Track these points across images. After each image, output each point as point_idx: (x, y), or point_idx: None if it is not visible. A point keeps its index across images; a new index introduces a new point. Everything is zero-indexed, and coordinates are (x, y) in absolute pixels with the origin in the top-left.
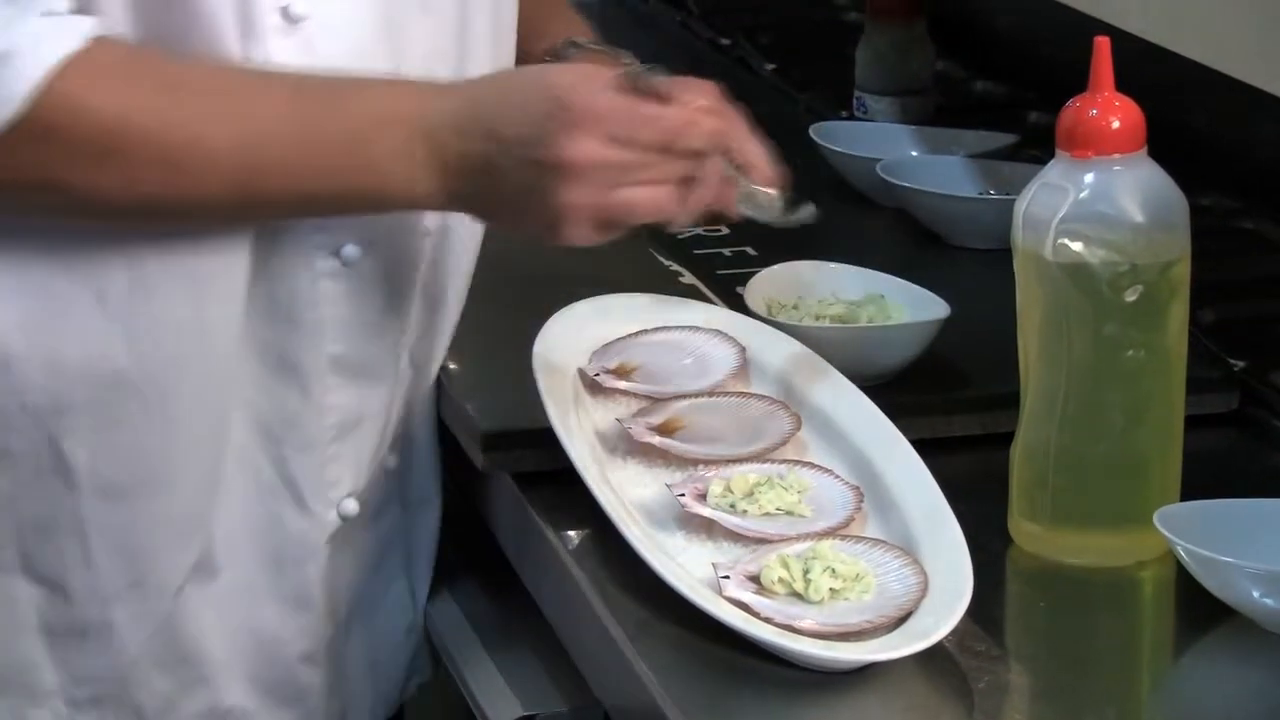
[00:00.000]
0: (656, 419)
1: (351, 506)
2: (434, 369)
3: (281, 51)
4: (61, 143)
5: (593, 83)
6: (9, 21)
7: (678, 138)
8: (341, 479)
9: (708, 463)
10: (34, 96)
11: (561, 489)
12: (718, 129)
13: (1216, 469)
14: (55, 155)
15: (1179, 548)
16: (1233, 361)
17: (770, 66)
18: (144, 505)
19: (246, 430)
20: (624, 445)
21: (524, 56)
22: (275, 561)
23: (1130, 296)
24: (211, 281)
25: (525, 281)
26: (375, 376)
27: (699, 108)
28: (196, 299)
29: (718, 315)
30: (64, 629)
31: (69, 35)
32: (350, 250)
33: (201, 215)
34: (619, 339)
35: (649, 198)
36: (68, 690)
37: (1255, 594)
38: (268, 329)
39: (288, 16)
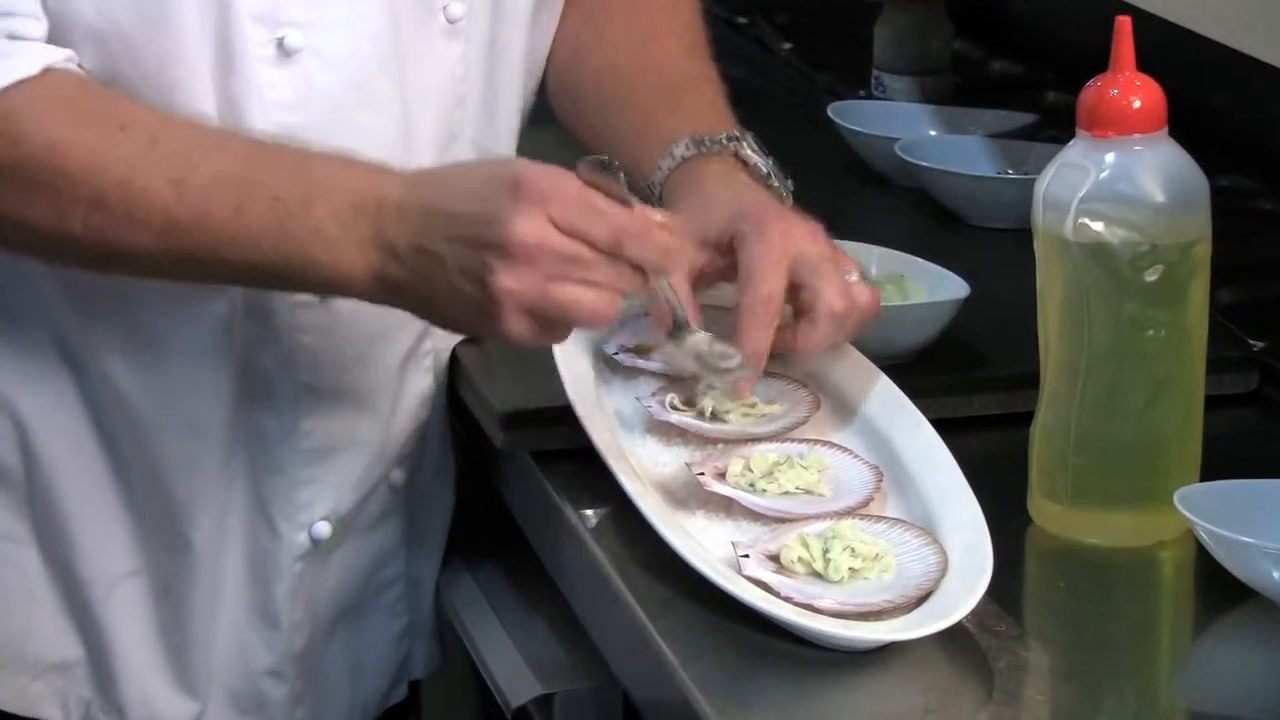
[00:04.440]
0: (676, 398)
1: (323, 530)
2: (445, 357)
3: (275, 85)
4: None
5: (552, 170)
6: None
7: (627, 242)
8: (314, 503)
9: (727, 441)
10: None
11: (581, 468)
12: (669, 246)
13: (1236, 449)
14: None
15: (1199, 528)
16: (1252, 342)
17: (787, 45)
18: (150, 496)
19: (225, 446)
20: (643, 424)
21: (648, 139)
22: (248, 576)
23: (1150, 276)
24: (201, 300)
25: None
26: (364, 406)
27: (657, 221)
28: (185, 312)
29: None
30: (67, 605)
31: (27, 61)
32: None
33: (131, 265)
34: (638, 318)
35: (589, 300)
36: (66, 667)
37: (1275, 574)
38: (249, 353)
39: (282, 48)
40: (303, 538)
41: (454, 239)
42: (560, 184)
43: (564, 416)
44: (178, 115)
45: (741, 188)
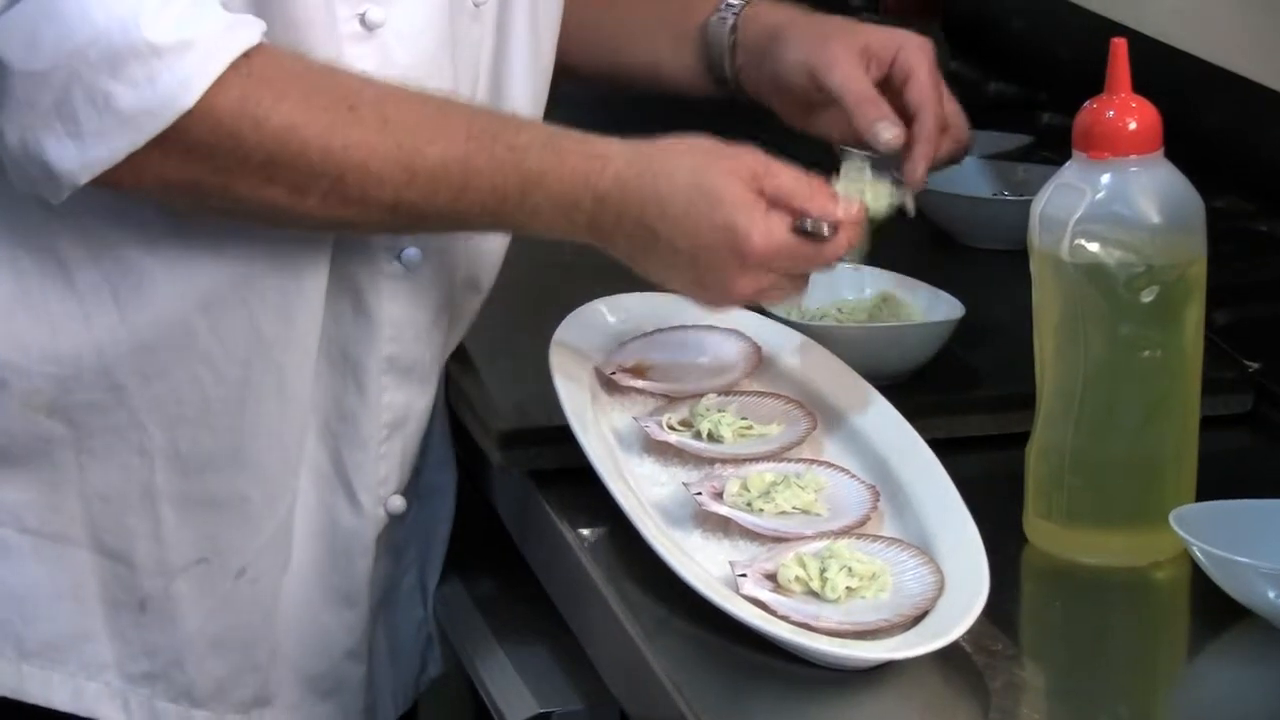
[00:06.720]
0: (673, 417)
1: (398, 504)
2: (445, 357)
3: (359, 58)
4: (231, 144)
5: (769, 226)
6: (191, 14)
7: (830, 265)
8: (390, 477)
9: (724, 461)
10: (211, 89)
11: (578, 487)
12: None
13: (1231, 469)
14: (222, 157)
15: (1194, 548)
16: (1247, 363)
17: None
18: (218, 481)
19: (314, 422)
20: (640, 443)
21: (684, 22)
22: (329, 556)
23: (1146, 297)
24: (299, 277)
25: (542, 280)
26: (423, 377)
27: (849, 233)
28: (284, 291)
29: (734, 314)
30: (124, 601)
31: (247, 33)
32: (411, 252)
33: (358, 231)
34: (635, 338)
35: (793, 293)
36: (123, 664)
37: (1270, 594)
38: (334, 326)
39: (364, 23)
40: (381, 513)
41: (676, 265)
42: (776, 245)
43: (561, 436)
44: (392, 86)
45: (844, 21)
